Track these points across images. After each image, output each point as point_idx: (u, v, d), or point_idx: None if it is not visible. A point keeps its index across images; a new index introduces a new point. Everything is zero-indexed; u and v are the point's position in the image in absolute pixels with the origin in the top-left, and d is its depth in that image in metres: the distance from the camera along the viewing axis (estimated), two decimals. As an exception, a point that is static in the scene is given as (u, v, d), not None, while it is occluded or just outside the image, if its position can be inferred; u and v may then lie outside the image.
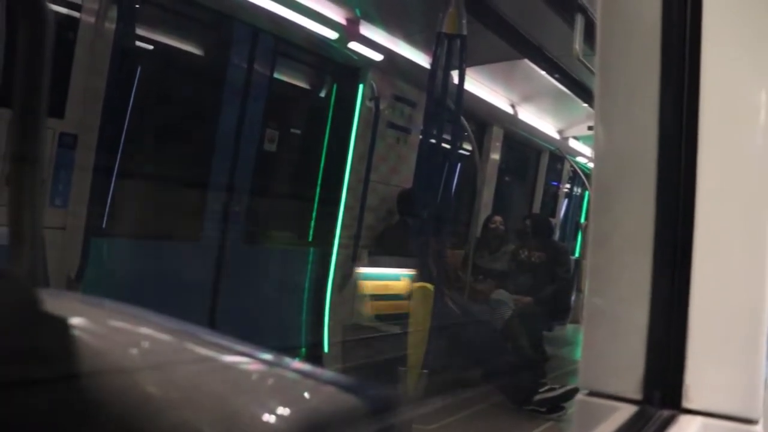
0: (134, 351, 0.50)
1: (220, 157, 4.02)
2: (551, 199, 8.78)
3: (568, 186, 9.25)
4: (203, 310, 3.80)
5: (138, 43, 3.45)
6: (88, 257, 3.04)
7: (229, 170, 4.02)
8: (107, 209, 3.34)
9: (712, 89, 1.03)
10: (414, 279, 3.47)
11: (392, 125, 4.98)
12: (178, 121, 3.98)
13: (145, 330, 0.53)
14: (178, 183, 3.94)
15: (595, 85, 1.13)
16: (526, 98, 6.64)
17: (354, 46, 4.39)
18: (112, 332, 0.53)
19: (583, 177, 8.07)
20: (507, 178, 7.56)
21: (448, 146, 4.31)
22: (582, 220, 9.23)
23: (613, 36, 1.11)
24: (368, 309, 4.72)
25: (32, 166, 0.48)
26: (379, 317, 4.74)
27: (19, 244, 0.48)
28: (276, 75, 4.35)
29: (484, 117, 6.36)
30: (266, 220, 4.51)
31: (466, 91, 3.97)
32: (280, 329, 4.43)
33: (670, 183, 1.04)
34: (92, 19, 3.03)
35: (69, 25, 2.96)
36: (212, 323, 3.76)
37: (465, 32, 3.49)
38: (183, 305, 3.46)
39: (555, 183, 8.84)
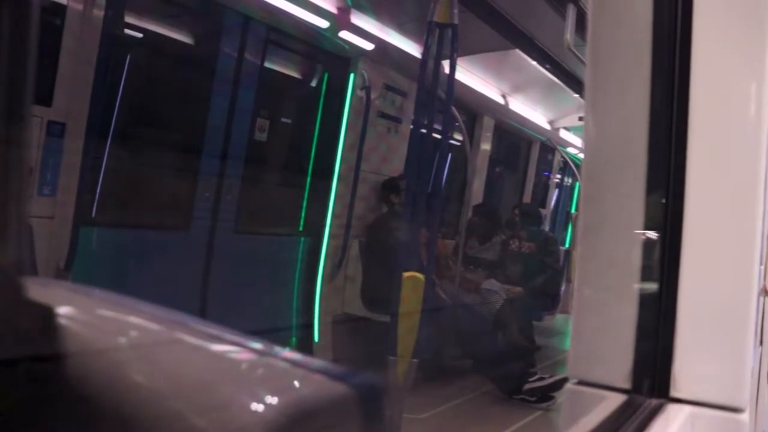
0: (122, 340, 0.50)
1: (210, 146, 4.00)
2: (542, 190, 8.81)
3: (558, 177, 9.28)
4: (190, 298, 3.79)
5: (127, 31, 3.42)
6: (77, 246, 3.03)
7: (219, 159, 4.00)
8: (96, 198, 3.32)
9: (702, 80, 1.03)
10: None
11: (383, 115, 4.97)
12: (168, 110, 3.95)
13: (133, 319, 0.52)
14: (167, 172, 3.92)
15: (586, 76, 1.13)
16: (517, 89, 6.64)
17: (345, 35, 4.37)
18: (100, 321, 0.53)
19: (574, 168, 8.09)
20: (498, 169, 7.56)
21: (438, 136, 4.30)
22: (572, 210, 9.26)
23: (604, 26, 1.11)
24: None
25: (18, 154, 0.48)
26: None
27: (4, 234, 0.47)
28: (267, 64, 4.33)
29: (475, 107, 6.35)
30: (256, 209, 4.50)
31: (457, 81, 3.96)
32: (269, 318, 4.43)
33: (661, 174, 1.05)
34: (80, 6, 3.00)
35: (56, 11, 2.93)
36: (200, 312, 3.75)
37: (456, 22, 3.48)
38: (170, 293, 3.45)
39: (546, 173, 8.86)
